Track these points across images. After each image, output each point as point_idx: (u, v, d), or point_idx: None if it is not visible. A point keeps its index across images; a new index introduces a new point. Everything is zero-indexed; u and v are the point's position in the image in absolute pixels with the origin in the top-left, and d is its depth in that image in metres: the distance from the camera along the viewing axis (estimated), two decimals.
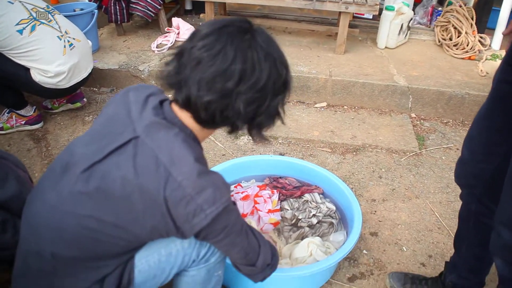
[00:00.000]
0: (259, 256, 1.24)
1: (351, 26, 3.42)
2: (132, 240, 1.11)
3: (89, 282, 1.14)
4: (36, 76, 2.52)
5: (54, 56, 2.53)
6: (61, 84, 2.61)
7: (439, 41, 3.71)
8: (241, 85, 1.01)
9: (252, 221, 1.83)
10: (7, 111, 2.82)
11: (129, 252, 1.17)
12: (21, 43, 2.41)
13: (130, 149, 1.05)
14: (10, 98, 2.73)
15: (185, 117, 1.11)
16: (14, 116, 2.81)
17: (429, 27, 3.96)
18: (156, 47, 3.54)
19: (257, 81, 1.02)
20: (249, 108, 1.05)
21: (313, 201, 2.02)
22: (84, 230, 1.07)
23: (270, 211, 1.93)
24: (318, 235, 1.89)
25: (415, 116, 3.11)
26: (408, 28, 3.70)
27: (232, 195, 1.99)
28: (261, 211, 1.93)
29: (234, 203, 1.16)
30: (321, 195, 2.07)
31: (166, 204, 1.01)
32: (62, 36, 2.58)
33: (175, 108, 1.13)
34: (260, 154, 2.59)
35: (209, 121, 1.09)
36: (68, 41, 2.60)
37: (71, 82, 2.67)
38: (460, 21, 3.55)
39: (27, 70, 2.51)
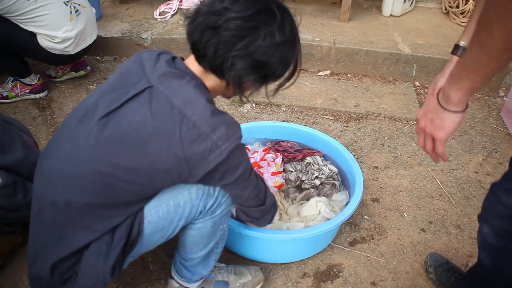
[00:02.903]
0: (266, 194, 1.32)
1: None
2: (145, 184, 1.14)
3: (100, 232, 1.18)
4: (43, 42, 2.54)
5: (61, 22, 2.55)
6: (68, 50, 2.64)
7: (446, 9, 3.66)
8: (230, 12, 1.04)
9: None
10: (11, 79, 2.83)
11: (140, 201, 1.20)
12: (28, 9, 2.42)
13: (146, 96, 1.09)
14: (15, 66, 2.74)
15: (196, 69, 1.16)
16: (18, 85, 2.82)
17: None
18: (159, 15, 3.52)
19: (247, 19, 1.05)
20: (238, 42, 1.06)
21: (315, 164, 2.05)
22: (99, 175, 1.11)
23: (273, 173, 1.95)
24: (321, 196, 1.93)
25: (419, 84, 3.10)
26: None
27: None
28: (265, 174, 1.95)
29: None
30: (322, 158, 2.10)
31: (181, 143, 1.06)
32: (68, 2, 2.58)
33: (187, 62, 1.19)
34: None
35: (205, 58, 1.11)
36: (74, 7, 2.61)
37: (77, 48, 2.71)
38: None
39: (34, 36, 2.52)
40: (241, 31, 1.05)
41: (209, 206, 1.28)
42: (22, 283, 1.67)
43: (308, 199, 1.91)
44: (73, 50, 2.68)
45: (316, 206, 1.80)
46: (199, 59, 1.15)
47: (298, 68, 1.21)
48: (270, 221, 1.42)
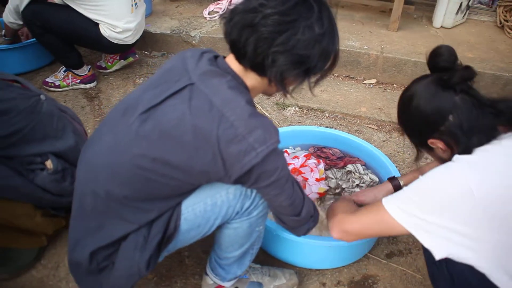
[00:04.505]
0: (303, 206, 1.28)
1: (406, 2, 3.32)
2: (182, 180, 1.15)
3: (137, 224, 1.20)
4: (106, 31, 2.66)
5: (124, 13, 2.68)
6: (128, 40, 2.78)
7: (501, 23, 3.55)
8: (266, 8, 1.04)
9: None
10: (64, 69, 2.94)
11: (176, 197, 1.22)
12: None
13: (186, 93, 1.10)
14: (73, 59, 2.87)
15: (236, 68, 1.17)
16: (70, 75, 2.93)
17: (491, 7, 3.79)
18: (208, 14, 3.57)
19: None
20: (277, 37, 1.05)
21: (356, 172, 2.04)
22: (138, 169, 1.13)
23: (317, 179, 1.95)
24: None
25: None
26: (468, 7, 3.56)
27: None
28: (309, 179, 1.95)
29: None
30: (363, 167, 2.08)
31: (218, 143, 1.06)
32: None
33: (228, 60, 1.19)
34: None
35: (245, 57, 1.11)
36: (134, 0, 2.75)
37: (135, 39, 2.86)
38: None
39: (96, 25, 2.64)
40: (279, 26, 1.04)
41: (246, 207, 1.28)
42: (63, 264, 1.73)
43: None
44: (131, 40, 2.82)
45: None
46: (239, 58, 1.14)
47: (338, 60, 1.19)
48: (305, 233, 1.37)
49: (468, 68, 1.14)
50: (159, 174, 1.12)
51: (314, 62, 1.11)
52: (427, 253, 1.20)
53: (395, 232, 1.16)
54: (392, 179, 1.75)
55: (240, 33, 1.08)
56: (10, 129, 1.44)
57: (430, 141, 1.20)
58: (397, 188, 1.74)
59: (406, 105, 1.23)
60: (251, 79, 1.18)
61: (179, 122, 1.08)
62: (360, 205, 1.82)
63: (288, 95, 1.21)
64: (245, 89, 1.17)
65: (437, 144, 1.19)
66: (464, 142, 1.11)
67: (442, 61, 1.17)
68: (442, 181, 1.08)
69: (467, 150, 1.10)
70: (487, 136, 1.11)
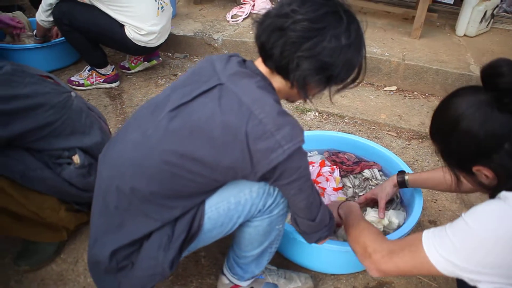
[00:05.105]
0: (319, 212, 1.28)
1: (429, 10, 3.31)
2: (208, 176, 1.17)
3: (160, 222, 1.22)
4: (131, 33, 2.72)
5: (149, 15, 2.72)
6: (151, 43, 2.83)
7: None
8: (297, 14, 1.07)
9: None
10: (88, 68, 3.01)
11: (202, 194, 1.24)
12: None
13: (216, 92, 1.13)
14: (97, 57, 2.94)
15: (263, 70, 1.20)
16: (94, 74, 3.00)
17: None
18: (231, 18, 3.61)
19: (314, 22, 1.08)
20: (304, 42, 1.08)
21: (374, 178, 2.03)
22: (166, 165, 1.15)
23: (335, 189, 1.95)
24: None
25: None
26: (492, 16, 3.52)
27: None
28: (327, 189, 1.95)
29: None
30: (380, 172, 2.07)
31: (246, 139, 1.08)
32: None
33: (257, 63, 1.22)
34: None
35: (271, 58, 1.14)
36: (161, 4, 2.80)
37: (159, 42, 2.89)
38: None
39: (121, 27, 2.71)
40: (307, 32, 1.07)
41: (268, 205, 1.30)
42: (82, 260, 1.77)
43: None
44: (155, 43, 2.86)
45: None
46: (266, 60, 1.17)
47: (362, 73, 1.21)
48: (316, 241, 1.36)
49: None
50: (186, 170, 1.15)
51: (337, 71, 1.13)
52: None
53: (435, 275, 1.09)
54: (400, 173, 1.76)
55: (270, 35, 1.11)
56: (43, 122, 1.49)
57: (476, 168, 1.06)
58: (401, 183, 1.76)
59: (452, 125, 1.06)
60: (276, 82, 1.20)
61: (209, 119, 1.11)
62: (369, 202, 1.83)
63: (308, 101, 1.23)
64: (273, 89, 1.20)
65: (484, 172, 1.05)
66: None
67: (504, 83, 0.99)
68: (493, 235, 0.94)
69: None
70: None
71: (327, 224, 1.33)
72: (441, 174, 1.60)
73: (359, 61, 1.18)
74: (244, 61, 1.25)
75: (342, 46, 1.10)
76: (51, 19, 2.73)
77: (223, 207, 1.26)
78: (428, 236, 1.05)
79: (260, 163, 1.11)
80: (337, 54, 1.10)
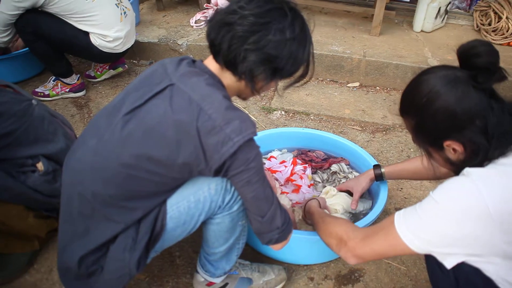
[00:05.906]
0: (269, 209, 1.28)
1: (387, 8, 3.42)
2: (165, 175, 1.20)
3: (123, 224, 1.24)
4: (96, 40, 2.71)
5: (113, 22, 2.73)
6: (118, 48, 2.83)
7: (477, 26, 3.66)
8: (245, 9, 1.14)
9: (284, 198, 1.92)
10: (53, 78, 2.99)
11: (161, 194, 1.27)
12: (84, 8, 2.60)
13: (167, 93, 1.18)
14: (62, 66, 2.91)
15: (213, 68, 1.25)
16: (59, 84, 2.97)
17: (468, 11, 3.91)
18: (195, 23, 3.64)
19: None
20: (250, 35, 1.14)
21: (341, 172, 2.09)
22: (122, 167, 1.18)
23: (309, 186, 2.02)
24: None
25: None
26: (446, 12, 3.67)
27: (269, 169, 2.08)
28: (303, 186, 2.01)
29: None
30: (347, 166, 2.14)
31: (198, 135, 1.12)
32: (118, 4, 2.78)
33: (206, 62, 1.28)
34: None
35: (220, 53, 1.19)
36: (123, 9, 2.81)
37: (125, 47, 2.90)
38: (502, 6, 3.49)
39: (86, 34, 2.70)
40: (253, 26, 1.14)
41: (226, 201, 1.33)
42: (56, 269, 1.75)
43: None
44: (121, 49, 2.87)
45: (335, 211, 1.84)
46: (215, 56, 1.23)
47: (311, 70, 1.27)
48: (268, 242, 1.35)
49: (501, 71, 1.05)
50: (143, 170, 1.18)
51: (282, 64, 1.19)
52: (428, 256, 1.18)
53: (409, 254, 1.10)
54: (376, 167, 1.83)
55: (218, 31, 1.17)
56: (3, 131, 1.48)
57: (447, 143, 1.09)
58: (378, 176, 1.82)
59: (428, 100, 1.09)
60: (226, 78, 1.26)
61: (162, 118, 1.15)
62: (345, 192, 1.88)
63: (257, 94, 1.28)
64: (222, 86, 1.25)
65: (453, 146, 1.09)
66: (485, 150, 1.04)
67: (481, 63, 1.04)
68: (456, 207, 0.99)
69: (484, 159, 1.04)
70: (507, 146, 1.04)
71: (279, 227, 1.32)
72: (415, 164, 1.68)
73: (305, 56, 1.23)
74: (194, 61, 1.29)
75: (287, 40, 1.16)
76: (5, 39, 2.68)
77: (183, 206, 1.29)
78: (399, 216, 1.11)
79: (212, 157, 1.15)
80: (282, 47, 1.16)
